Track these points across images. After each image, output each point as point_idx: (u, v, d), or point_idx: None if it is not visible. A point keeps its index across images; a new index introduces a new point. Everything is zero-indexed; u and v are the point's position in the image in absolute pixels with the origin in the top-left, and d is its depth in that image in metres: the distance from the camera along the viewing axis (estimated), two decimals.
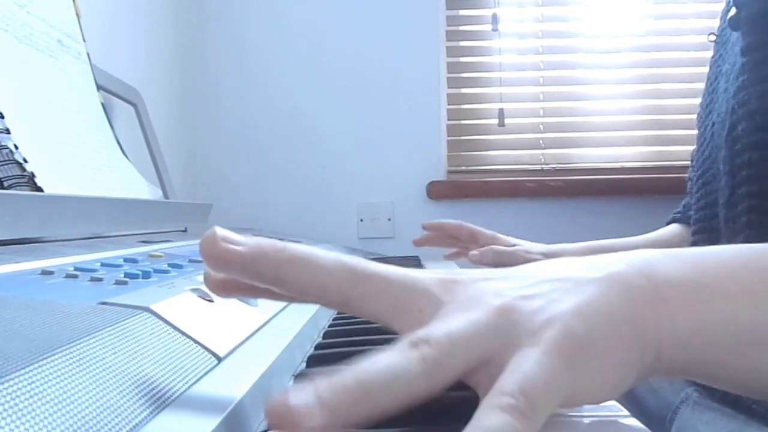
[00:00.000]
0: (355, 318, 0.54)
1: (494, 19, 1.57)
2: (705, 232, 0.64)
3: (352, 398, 0.22)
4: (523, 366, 0.24)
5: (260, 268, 0.27)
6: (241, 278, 0.27)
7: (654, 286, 0.28)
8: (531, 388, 0.23)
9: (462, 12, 1.63)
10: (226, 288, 0.29)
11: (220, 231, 0.27)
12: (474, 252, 0.82)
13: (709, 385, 0.30)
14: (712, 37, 0.68)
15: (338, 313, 0.58)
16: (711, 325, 0.28)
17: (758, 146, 0.53)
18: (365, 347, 0.39)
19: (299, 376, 0.36)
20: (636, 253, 0.30)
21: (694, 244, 0.66)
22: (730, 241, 0.49)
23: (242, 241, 0.27)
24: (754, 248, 0.31)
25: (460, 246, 0.97)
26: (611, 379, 0.26)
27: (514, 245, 0.81)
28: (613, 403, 0.32)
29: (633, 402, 0.70)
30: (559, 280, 0.28)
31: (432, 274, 0.29)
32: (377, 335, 0.43)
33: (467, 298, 0.27)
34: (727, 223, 0.57)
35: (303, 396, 0.21)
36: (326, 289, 0.27)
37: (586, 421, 0.30)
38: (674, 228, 0.83)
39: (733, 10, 0.58)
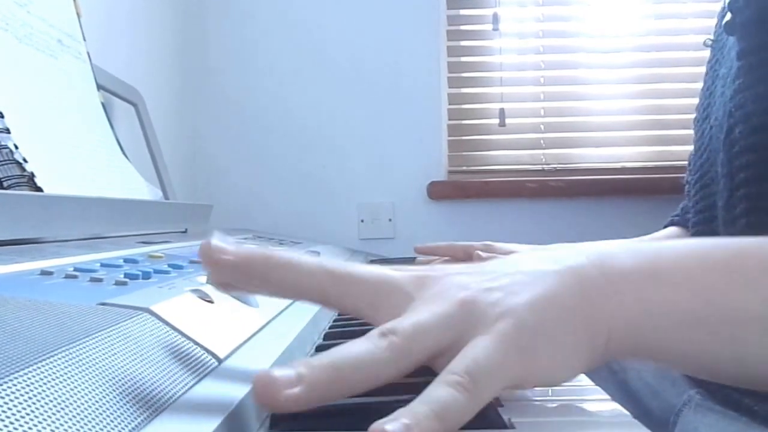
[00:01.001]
0: (355, 319, 0.54)
1: (495, 18, 1.57)
2: (704, 235, 0.64)
3: (327, 376, 0.26)
4: (472, 351, 0.28)
5: (249, 273, 0.31)
6: (233, 282, 0.31)
7: (606, 277, 0.31)
8: (475, 369, 0.27)
9: (463, 11, 1.62)
10: (225, 286, 0.33)
11: (215, 242, 0.31)
12: None
13: (660, 365, 0.33)
14: (709, 41, 0.68)
15: (339, 315, 0.58)
16: (657, 311, 0.30)
17: (756, 148, 0.53)
18: None
19: None
20: (596, 245, 0.34)
21: None
22: None
23: (232, 251, 0.31)
24: (709, 242, 0.34)
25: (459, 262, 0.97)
26: (562, 364, 0.29)
27: (509, 252, 0.81)
28: (615, 406, 0.32)
29: (635, 404, 0.70)
30: (519, 273, 0.31)
31: (406, 271, 0.33)
32: None
33: (435, 292, 0.31)
34: (726, 226, 0.57)
35: (284, 371, 0.25)
36: (308, 289, 0.31)
37: (590, 422, 0.30)
38: (672, 231, 0.83)
39: (729, 15, 0.59)
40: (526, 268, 0.32)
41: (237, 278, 0.31)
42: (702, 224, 0.64)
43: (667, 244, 0.34)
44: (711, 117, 0.62)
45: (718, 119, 0.59)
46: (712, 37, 0.68)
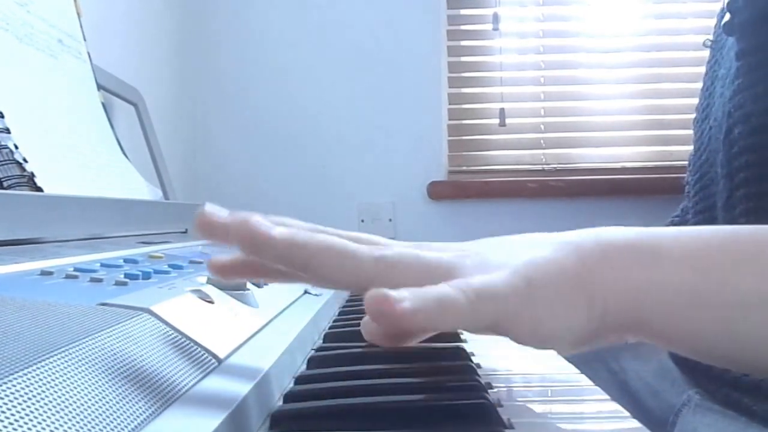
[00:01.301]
0: (355, 320, 0.54)
1: (495, 18, 1.57)
2: None
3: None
4: (473, 276, 0.29)
5: (291, 254, 0.30)
6: (269, 262, 0.31)
7: (602, 248, 0.31)
8: (478, 286, 0.28)
9: (463, 11, 1.62)
10: (231, 271, 0.33)
11: (255, 217, 0.30)
12: None
13: (657, 344, 0.33)
14: (708, 42, 0.69)
15: (339, 315, 0.58)
16: (655, 285, 0.30)
17: (755, 148, 0.54)
18: (366, 349, 0.39)
19: (300, 379, 0.36)
20: (594, 228, 0.34)
21: None
22: None
23: (275, 228, 0.30)
24: (704, 228, 0.34)
25: None
26: (557, 321, 0.29)
27: None
28: (615, 406, 0.32)
29: (635, 404, 0.70)
30: (517, 242, 0.33)
31: (447, 248, 0.34)
32: None
33: (433, 249, 0.33)
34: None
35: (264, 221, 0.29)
36: (357, 278, 0.31)
37: (588, 423, 0.30)
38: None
39: (728, 16, 0.59)
40: (523, 240, 0.33)
41: (277, 259, 0.30)
42: (702, 224, 0.65)
43: (668, 228, 0.34)
44: (710, 117, 0.63)
45: (718, 119, 0.59)
46: (711, 37, 0.69)
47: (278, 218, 0.32)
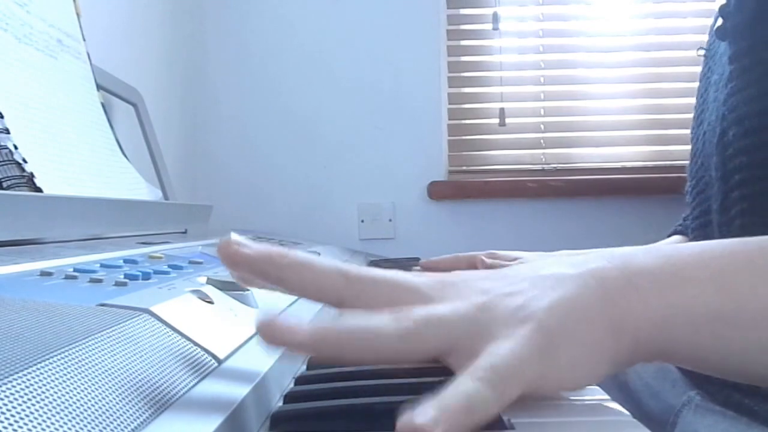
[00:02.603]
0: None
1: (495, 17, 1.57)
2: (701, 240, 0.65)
3: (333, 336, 0.28)
4: (497, 351, 0.27)
5: (265, 269, 0.31)
6: (249, 277, 0.32)
7: (627, 276, 0.31)
8: (501, 366, 0.27)
9: (463, 11, 1.62)
10: (243, 280, 0.33)
11: (234, 236, 0.31)
12: None
13: (688, 367, 0.33)
14: (701, 52, 0.69)
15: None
16: (683, 310, 0.30)
17: (749, 150, 0.54)
18: None
19: (300, 379, 0.36)
20: (616, 249, 0.33)
21: None
22: None
23: (251, 246, 0.31)
24: (727, 242, 0.33)
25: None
26: (583, 367, 0.29)
27: (514, 259, 0.81)
28: (616, 406, 0.32)
29: (635, 405, 0.70)
30: (540, 278, 0.31)
31: (423, 276, 0.33)
32: None
33: (454, 294, 0.31)
34: (721, 228, 0.58)
35: (294, 320, 0.27)
36: (323, 290, 0.32)
37: (590, 422, 0.30)
38: (676, 239, 0.84)
39: (720, 21, 0.60)
40: (545, 272, 0.32)
41: (252, 272, 0.31)
42: (699, 229, 0.65)
43: (685, 245, 0.34)
44: (704, 122, 0.63)
45: (711, 123, 0.60)
46: (705, 46, 0.70)
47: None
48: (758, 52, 0.54)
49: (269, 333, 0.27)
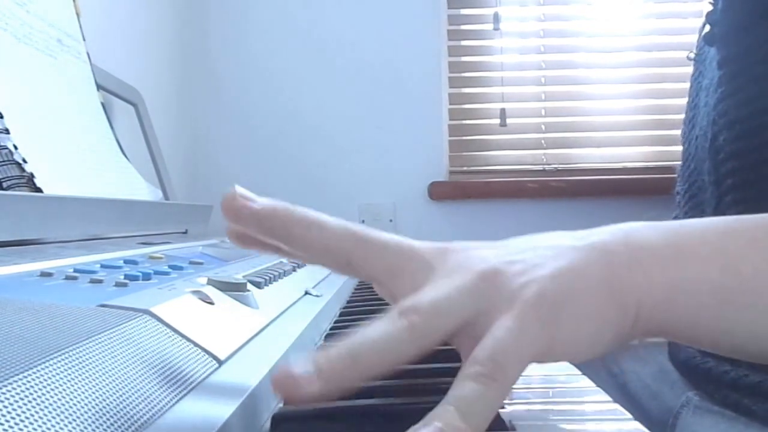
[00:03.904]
0: (355, 321, 0.54)
1: (496, 18, 1.57)
2: None
3: (346, 366, 0.26)
4: (496, 333, 0.27)
5: (272, 225, 0.30)
6: (254, 233, 0.31)
7: (630, 250, 0.30)
8: (501, 353, 0.26)
9: (463, 11, 1.62)
10: (242, 239, 0.33)
11: (240, 189, 0.31)
12: None
13: (686, 344, 0.32)
14: (692, 55, 0.70)
15: (339, 316, 0.58)
16: (685, 284, 0.30)
17: (741, 154, 0.54)
18: None
19: None
20: (620, 225, 0.33)
21: None
22: None
23: (258, 200, 0.31)
24: (731, 219, 0.33)
25: None
26: (587, 336, 0.29)
27: None
28: (616, 407, 0.32)
29: (634, 406, 0.70)
30: (543, 247, 0.31)
31: (425, 243, 0.32)
32: None
33: (456, 263, 0.30)
34: None
35: (303, 366, 0.25)
36: (330, 249, 0.31)
37: (590, 423, 0.30)
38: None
39: (708, 27, 0.60)
40: (548, 243, 0.31)
41: (257, 227, 0.30)
42: None
43: (688, 221, 0.33)
44: (696, 127, 0.64)
45: (703, 128, 0.60)
46: (695, 51, 0.70)
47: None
48: (746, 57, 0.54)
49: (286, 392, 0.26)
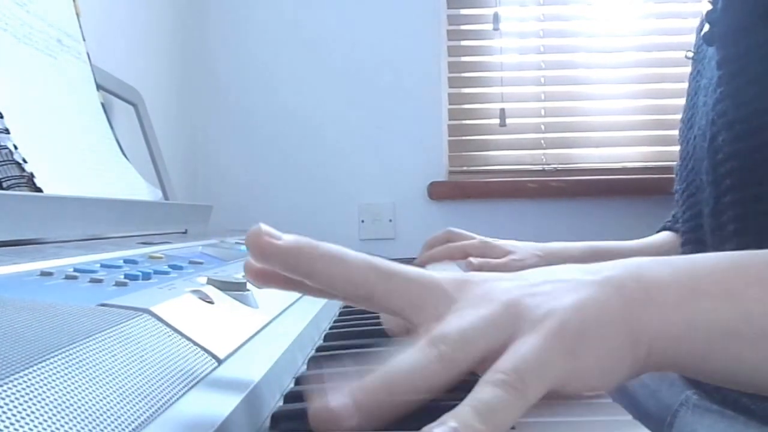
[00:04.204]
0: (355, 320, 0.54)
1: (495, 18, 1.57)
2: (692, 243, 0.65)
3: (382, 398, 0.26)
4: (519, 349, 0.27)
5: (297, 261, 0.30)
6: (279, 269, 0.31)
7: (644, 288, 0.31)
8: (523, 366, 0.27)
9: (463, 11, 1.62)
10: (263, 278, 0.32)
11: (265, 227, 0.31)
12: None
13: (696, 378, 0.33)
14: (690, 55, 0.70)
15: (339, 315, 0.58)
16: (697, 322, 0.30)
17: (739, 155, 0.54)
18: (366, 349, 0.39)
19: (300, 379, 0.36)
20: (631, 259, 0.33)
21: (683, 254, 0.67)
22: (716, 250, 0.50)
23: (283, 237, 0.31)
24: (737, 255, 0.34)
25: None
26: (604, 368, 0.29)
27: (508, 252, 0.81)
28: (615, 405, 0.32)
29: (632, 405, 0.70)
30: (560, 281, 0.31)
31: (447, 275, 0.33)
32: (377, 337, 0.43)
33: (478, 295, 0.31)
34: (714, 233, 0.58)
35: (339, 398, 0.26)
36: (354, 284, 0.31)
37: (590, 422, 0.30)
38: (665, 235, 0.85)
39: (707, 26, 0.60)
40: (565, 276, 0.32)
41: (282, 265, 0.30)
42: (690, 232, 0.65)
43: (700, 256, 0.34)
44: (694, 127, 0.64)
45: (702, 128, 0.60)
46: (693, 50, 0.70)
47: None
48: (746, 57, 0.54)
49: (325, 425, 0.26)
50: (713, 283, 0.31)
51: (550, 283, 0.31)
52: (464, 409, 0.25)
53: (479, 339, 0.28)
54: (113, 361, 0.24)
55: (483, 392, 0.26)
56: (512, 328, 0.29)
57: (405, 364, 0.27)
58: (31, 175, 0.58)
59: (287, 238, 0.31)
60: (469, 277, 0.33)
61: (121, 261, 0.43)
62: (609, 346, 0.29)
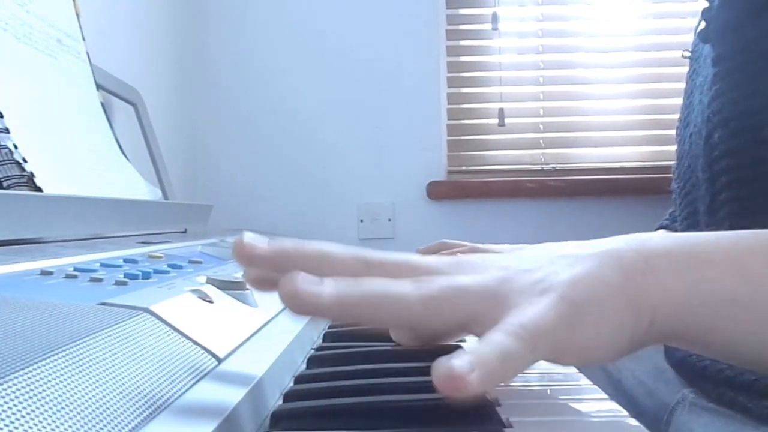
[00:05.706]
0: None
1: (494, 18, 1.57)
2: None
3: (356, 300, 0.28)
4: (523, 313, 0.28)
5: (282, 264, 0.30)
6: (270, 272, 0.31)
7: (645, 257, 0.31)
8: (530, 324, 0.27)
9: (462, 11, 1.62)
10: (260, 283, 0.33)
11: (248, 234, 0.31)
12: None
13: (700, 353, 0.32)
14: (687, 53, 0.70)
15: None
16: (699, 290, 0.30)
17: (735, 151, 0.54)
18: (365, 348, 0.39)
19: (300, 378, 0.36)
20: (633, 234, 0.33)
21: None
22: None
23: (265, 244, 0.31)
24: (742, 231, 0.33)
25: None
26: (604, 340, 0.29)
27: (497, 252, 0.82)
28: (613, 405, 0.32)
29: (629, 404, 0.70)
30: (558, 256, 0.31)
31: (441, 257, 0.33)
32: (377, 337, 0.43)
33: (473, 271, 0.31)
34: (710, 230, 0.58)
35: (315, 285, 0.28)
36: (341, 274, 0.31)
37: (588, 421, 0.30)
38: (662, 233, 0.85)
39: (703, 24, 0.60)
40: (561, 252, 0.32)
41: (274, 268, 0.31)
42: (687, 230, 0.65)
43: (704, 233, 0.34)
44: (690, 125, 0.64)
45: (697, 126, 0.60)
46: (690, 49, 0.70)
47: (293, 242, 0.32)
48: (741, 54, 0.54)
49: (295, 302, 0.27)
50: (716, 252, 0.31)
51: (546, 258, 0.31)
52: (480, 347, 0.25)
53: (468, 296, 0.29)
54: (113, 360, 0.24)
55: (497, 336, 0.26)
56: (505, 298, 0.29)
57: (387, 287, 0.28)
58: (31, 175, 0.58)
59: (272, 244, 0.31)
60: (462, 257, 0.33)
61: (121, 260, 0.43)
62: (608, 317, 0.29)
